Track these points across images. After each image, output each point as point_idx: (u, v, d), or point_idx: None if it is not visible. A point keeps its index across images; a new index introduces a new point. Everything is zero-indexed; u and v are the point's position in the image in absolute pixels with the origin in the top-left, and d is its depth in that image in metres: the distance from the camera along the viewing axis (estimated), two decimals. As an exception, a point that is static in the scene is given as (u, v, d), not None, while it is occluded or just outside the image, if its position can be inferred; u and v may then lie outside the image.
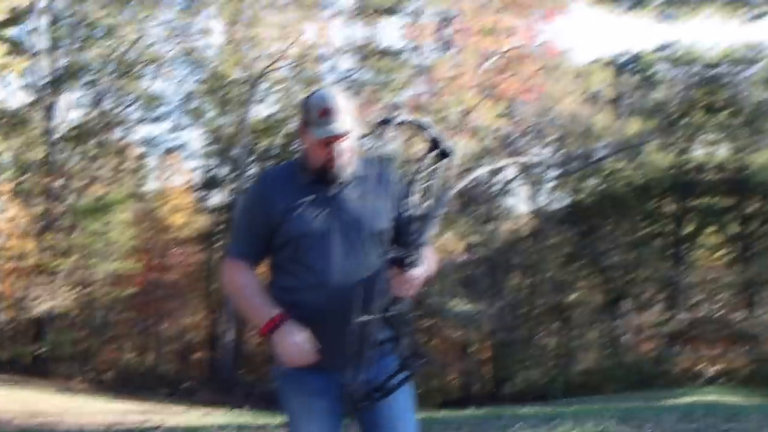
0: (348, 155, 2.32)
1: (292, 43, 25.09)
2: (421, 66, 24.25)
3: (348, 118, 2.30)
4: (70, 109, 27.84)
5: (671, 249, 27.86)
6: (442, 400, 22.12)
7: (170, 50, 26.58)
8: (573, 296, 27.08)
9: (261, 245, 2.37)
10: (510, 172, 28.28)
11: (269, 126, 28.67)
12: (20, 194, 26.22)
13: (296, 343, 2.17)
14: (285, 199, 2.32)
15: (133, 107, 28.00)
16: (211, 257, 30.61)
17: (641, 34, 59.39)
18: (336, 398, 2.35)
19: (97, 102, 26.26)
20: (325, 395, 2.35)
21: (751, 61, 26.62)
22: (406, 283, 2.13)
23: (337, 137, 2.25)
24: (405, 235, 2.21)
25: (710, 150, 27.61)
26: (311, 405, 2.35)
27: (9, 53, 15.12)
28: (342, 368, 2.24)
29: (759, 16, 24.96)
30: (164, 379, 27.10)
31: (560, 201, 30.27)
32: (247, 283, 2.35)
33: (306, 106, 2.36)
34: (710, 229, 28.53)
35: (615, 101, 25.88)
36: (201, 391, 24.50)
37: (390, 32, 54.56)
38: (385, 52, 25.54)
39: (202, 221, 32.00)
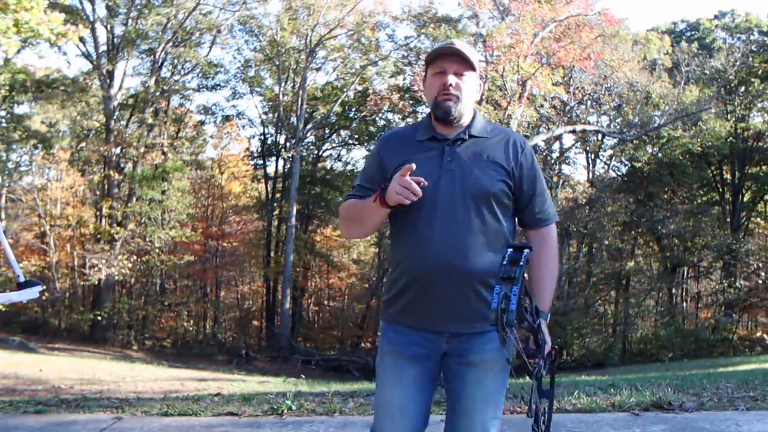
0: (463, 94, 2.55)
1: (350, 11, 27.04)
2: (478, 34, 25.98)
3: (471, 52, 2.58)
4: (128, 77, 30.56)
5: (729, 217, 29.35)
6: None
7: (228, 18, 28.22)
8: (630, 264, 28.56)
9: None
10: (567, 140, 30.39)
11: (326, 94, 30.71)
12: (78, 162, 28.72)
13: (398, 176, 2.37)
14: (398, 156, 2.55)
15: (190, 75, 30.26)
16: (269, 225, 32.52)
17: (699, 1, 61.67)
18: (430, 366, 2.60)
19: (154, 70, 27.75)
20: (418, 364, 2.58)
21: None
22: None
23: (451, 57, 2.55)
24: (527, 211, 2.64)
25: (769, 118, 28.32)
26: (401, 371, 2.58)
27: (67, 22, 14.78)
28: (440, 331, 2.53)
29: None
30: (222, 347, 29.15)
31: (618, 169, 32.40)
32: (353, 201, 2.65)
33: (432, 49, 2.66)
34: (768, 196, 29.53)
35: (673, 69, 27.23)
36: (258, 359, 26.34)
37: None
38: (442, 20, 27.33)
39: (260, 189, 34.78)
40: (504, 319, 2.19)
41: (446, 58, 2.59)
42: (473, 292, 2.49)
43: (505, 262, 2.27)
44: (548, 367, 2.59)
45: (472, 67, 2.60)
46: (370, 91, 28.80)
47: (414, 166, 2.39)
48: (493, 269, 2.36)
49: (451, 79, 2.55)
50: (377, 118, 30.27)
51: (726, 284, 27.65)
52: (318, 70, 30.73)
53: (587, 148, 31.25)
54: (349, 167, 33.50)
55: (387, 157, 2.64)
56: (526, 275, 2.41)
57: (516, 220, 2.70)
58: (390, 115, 29.32)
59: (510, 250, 2.31)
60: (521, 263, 2.26)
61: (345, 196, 2.80)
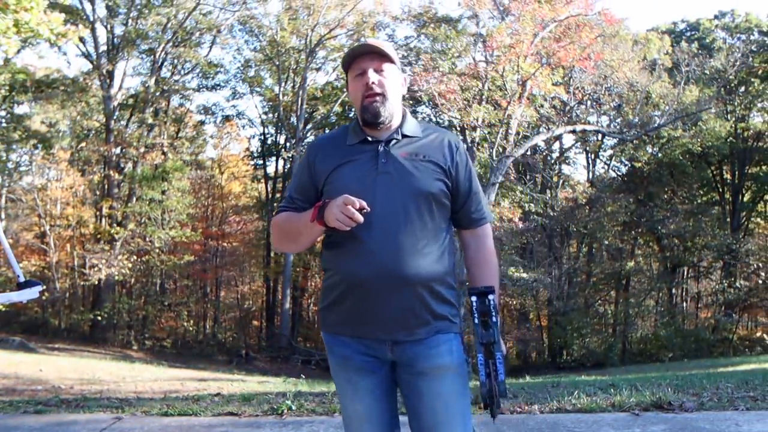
0: (388, 91, 2.48)
1: (350, 11, 27.03)
2: (478, 34, 25.99)
3: (386, 46, 2.52)
4: (128, 77, 30.39)
5: (729, 217, 29.33)
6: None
7: (228, 18, 28.26)
8: (630, 264, 28.56)
9: (307, 209, 2.46)
10: (567, 140, 30.28)
11: (326, 94, 30.77)
12: (78, 162, 28.69)
13: (340, 203, 2.25)
14: (329, 162, 2.47)
15: (190, 75, 30.31)
16: (269, 225, 35.30)
17: (699, 1, 62.12)
18: (383, 375, 2.51)
19: (154, 70, 27.78)
20: (370, 374, 2.50)
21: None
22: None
23: (368, 56, 2.48)
24: (462, 211, 2.57)
25: (768, 118, 28.20)
26: (355, 383, 2.50)
27: (67, 22, 14.73)
28: (381, 339, 2.42)
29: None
30: (222, 347, 29.17)
31: (618, 169, 32.35)
32: (287, 215, 2.53)
33: (345, 53, 2.60)
34: (768, 196, 29.37)
35: (673, 69, 27.14)
36: (258, 359, 26.30)
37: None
38: (442, 20, 27.21)
39: (260, 189, 34.77)
40: (497, 391, 2.28)
41: (363, 58, 2.52)
42: (416, 298, 2.40)
43: (476, 321, 2.31)
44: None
45: (391, 60, 2.54)
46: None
47: (367, 207, 2.29)
48: (435, 273, 2.41)
49: (372, 76, 2.48)
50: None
51: (726, 284, 27.67)
52: (318, 70, 30.78)
53: (587, 148, 31.24)
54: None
55: (318, 163, 2.54)
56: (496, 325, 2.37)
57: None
58: (390, 115, 29.20)
59: (475, 299, 2.35)
60: (493, 317, 2.32)
61: (277, 209, 2.67)
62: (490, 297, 2.35)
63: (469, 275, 2.64)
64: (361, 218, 2.26)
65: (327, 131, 33.12)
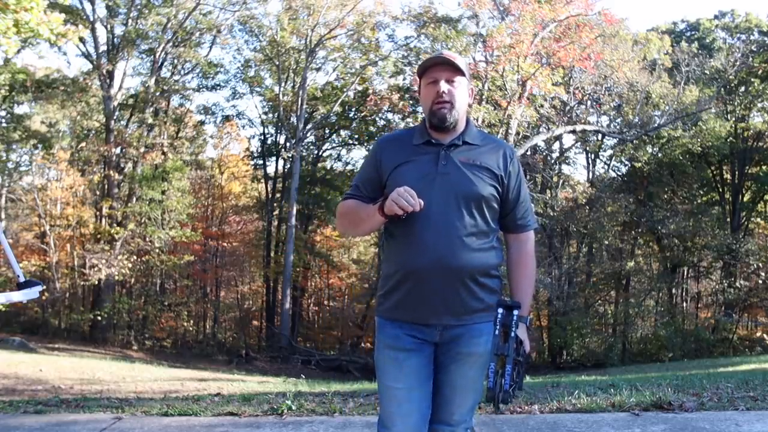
0: (456, 100, 2.71)
1: (350, 11, 26.99)
2: (478, 34, 26.17)
3: (459, 60, 2.72)
4: (128, 77, 30.02)
5: (729, 217, 29.30)
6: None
7: (228, 18, 28.25)
8: (630, 264, 28.36)
9: (370, 198, 2.76)
10: (567, 140, 30.33)
11: (326, 94, 30.57)
12: (78, 162, 28.57)
13: (401, 189, 2.50)
14: (394, 159, 2.72)
15: (190, 75, 30.25)
16: (269, 225, 32.42)
17: (699, 1, 62.54)
18: (427, 356, 2.75)
19: (154, 70, 27.68)
20: (417, 354, 2.72)
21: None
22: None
23: (441, 66, 2.70)
24: (510, 216, 2.80)
25: (768, 118, 28.13)
26: (401, 362, 2.71)
27: (67, 22, 14.89)
28: (433, 324, 2.68)
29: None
30: (222, 347, 29.24)
31: (618, 169, 32.31)
32: (353, 202, 2.79)
33: (422, 62, 2.79)
34: (768, 196, 29.28)
35: (673, 69, 27.14)
36: (258, 359, 26.21)
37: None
38: (442, 20, 27.20)
39: (260, 189, 34.76)
40: (500, 398, 2.55)
41: (437, 68, 2.74)
42: (463, 287, 2.66)
43: (497, 332, 2.58)
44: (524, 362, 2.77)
45: (462, 73, 2.75)
46: (370, 91, 28.81)
47: (422, 203, 2.55)
48: (481, 266, 2.69)
49: (444, 86, 2.71)
50: (377, 118, 30.25)
51: (726, 284, 27.65)
52: (318, 70, 30.78)
53: (587, 148, 31.15)
54: (349, 167, 33.49)
55: (384, 159, 2.78)
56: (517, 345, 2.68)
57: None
58: (390, 115, 29.31)
59: (501, 311, 2.62)
60: (512, 333, 2.59)
61: (343, 195, 2.92)
62: (515, 312, 2.62)
63: (508, 275, 2.92)
64: (415, 203, 2.52)
65: (327, 131, 33.42)
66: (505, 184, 2.77)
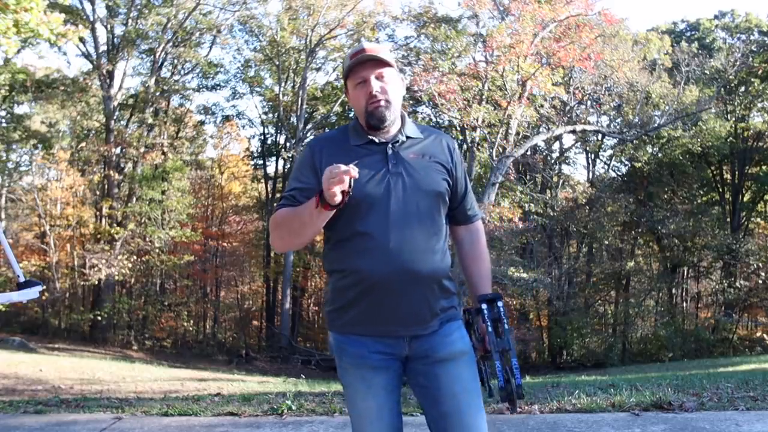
0: (391, 96, 2.50)
1: (350, 11, 27.00)
2: (478, 34, 26.11)
3: (383, 52, 2.51)
4: (128, 77, 30.24)
5: (729, 217, 29.33)
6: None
7: (228, 18, 28.30)
8: (630, 264, 28.34)
9: None
10: (567, 140, 30.28)
11: (326, 94, 30.71)
12: (78, 162, 28.61)
13: (326, 173, 2.19)
14: (336, 162, 2.27)
15: (190, 75, 30.28)
16: (269, 225, 35.21)
17: (699, 1, 62.42)
18: (395, 371, 2.53)
19: (154, 70, 27.75)
20: (385, 371, 2.51)
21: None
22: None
23: (367, 63, 2.46)
24: (460, 208, 2.66)
25: (768, 118, 28.15)
26: (369, 380, 2.50)
27: (67, 22, 14.95)
28: (401, 336, 2.47)
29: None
30: (222, 347, 29.22)
31: (618, 169, 32.30)
32: (287, 210, 2.45)
33: (344, 61, 2.59)
34: (768, 196, 29.29)
35: (673, 69, 27.15)
36: (258, 359, 26.27)
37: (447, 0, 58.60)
38: (442, 20, 27.30)
39: (260, 189, 34.82)
40: (517, 394, 2.42)
41: (362, 66, 2.52)
42: (430, 293, 2.48)
43: (489, 329, 2.47)
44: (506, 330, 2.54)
45: (390, 65, 2.54)
46: (370, 91, 28.82)
47: (355, 168, 2.23)
48: (444, 268, 2.51)
49: (375, 85, 2.50)
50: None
51: (726, 284, 27.70)
52: (318, 70, 30.85)
53: (587, 148, 31.16)
54: (349, 167, 33.44)
55: (325, 162, 2.43)
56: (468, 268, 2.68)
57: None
58: (390, 115, 29.25)
59: (485, 306, 2.52)
60: (505, 323, 2.47)
61: (276, 207, 2.60)
62: (499, 304, 2.50)
63: (464, 270, 2.74)
64: (348, 170, 2.20)
65: (326, 131, 33.39)
66: (454, 176, 2.61)
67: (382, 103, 2.50)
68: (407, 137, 2.57)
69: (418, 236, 2.45)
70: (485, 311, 2.49)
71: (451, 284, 2.57)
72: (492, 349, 2.44)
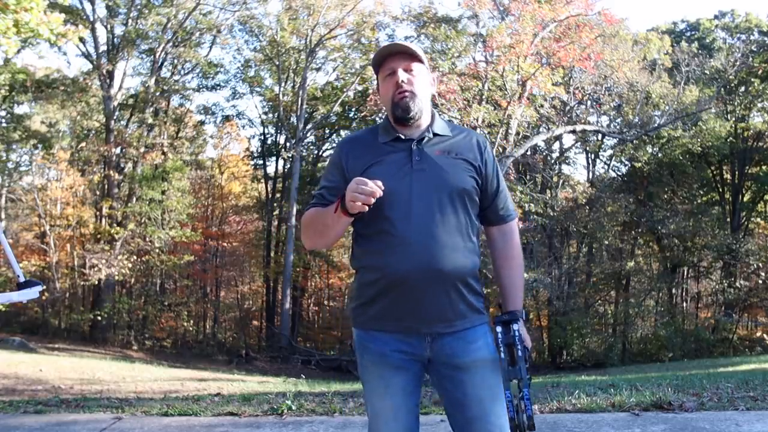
0: (417, 88, 2.52)
1: (350, 11, 27.04)
2: (478, 34, 26.20)
3: (412, 45, 2.55)
4: (128, 77, 30.29)
5: (729, 217, 29.33)
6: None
7: (228, 18, 28.34)
8: (630, 264, 28.28)
9: None
10: (567, 140, 30.29)
11: (326, 94, 30.67)
12: (78, 162, 28.58)
13: (352, 184, 2.27)
14: (362, 160, 2.49)
15: (190, 75, 30.30)
16: (269, 225, 32.53)
17: (699, 1, 62.54)
18: (415, 373, 2.53)
19: (154, 70, 27.73)
20: (405, 371, 2.51)
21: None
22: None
23: (397, 56, 2.52)
24: (491, 208, 2.62)
25: (768, 118, 28.14)
26: (388, 380, 2.50)
27: (67, 22, 15.02)
28: (423, 334, 2.46)
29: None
30: (222, 347, 29.19)
31: (618, 169, 32.30)
32: (316, 210, 2.54)
33: (374, 55, 2.63)
34: (768, 196, 29.26)
35: (673, 69, 27.16)
36: (258, 359, 26.21)
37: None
38: (442, 20, 27.30)
39: (260, 189, 34.86)
40: (526, 425, 2.36)
41: (392, 58, 2.56)
42: (454, 291, 2.46)
43: (502, 355, 2.42)
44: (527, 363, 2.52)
45: (420, 60, 2.58)
46: (370, 91, 28.82)
47: (381, 184, 2.32)
48: (469, 266, 2.48)
49: (402, 75, 2.53)
50: (377, 118, 30.22)
51: (726, 284, 27.64)
52: (318, 70, 30.88)
53: (587, 148, 31.14)
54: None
55: (351, 161, 2.57)
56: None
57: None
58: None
59: (500, 329, 2.46)
60: (519, 349, 2.42)
61: (307, 206, 2.69)
62: (515, 327, 2.45)
63: (496, 274, 2.71)
64: (374, 188, 2.28)
65: (327, 131, 33.44)
66: (484, 174, 2.58)
67: (407, 94, 2.53)
68: (434, 134, 2.58)
69: (440, 233, 2.44)
70: (499, 335, 2.45)
71: (478, 284, 2.56)
72: (503, 377, 2.42)
